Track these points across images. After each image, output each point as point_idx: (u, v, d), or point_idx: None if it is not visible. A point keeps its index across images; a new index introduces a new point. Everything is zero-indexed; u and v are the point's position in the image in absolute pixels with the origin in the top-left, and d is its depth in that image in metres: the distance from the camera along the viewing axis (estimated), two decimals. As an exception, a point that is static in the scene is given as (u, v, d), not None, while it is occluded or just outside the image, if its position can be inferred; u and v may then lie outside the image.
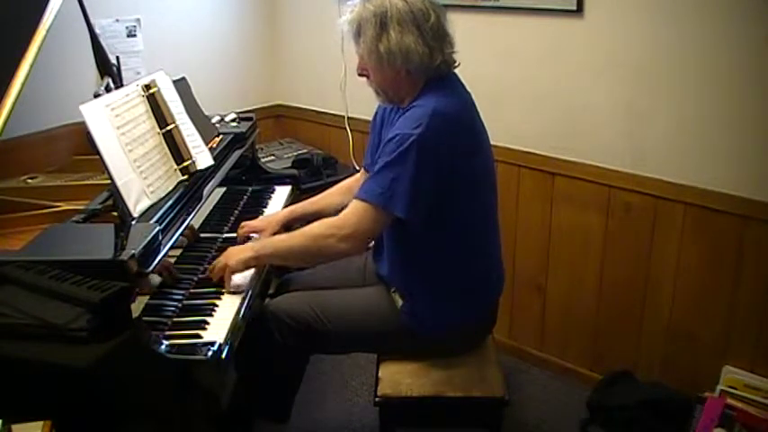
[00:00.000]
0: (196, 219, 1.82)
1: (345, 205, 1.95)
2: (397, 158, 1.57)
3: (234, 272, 1.68)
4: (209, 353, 1.41)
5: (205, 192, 1.85)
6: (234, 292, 1.68)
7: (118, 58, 2.17)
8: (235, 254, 1.71)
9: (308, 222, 2.02)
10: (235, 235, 2.00)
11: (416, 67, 1.63)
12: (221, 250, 1.91)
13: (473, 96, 1.77)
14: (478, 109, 1.77)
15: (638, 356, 2.37)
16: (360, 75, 1.73)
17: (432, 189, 1.61)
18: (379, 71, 1.68)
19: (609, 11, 2.16)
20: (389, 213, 1.60)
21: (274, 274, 2.09)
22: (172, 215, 1.61)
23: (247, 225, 1.99)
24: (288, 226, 2.02)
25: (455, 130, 1.62)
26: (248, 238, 1.96)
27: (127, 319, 1.34)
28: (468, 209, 1.72)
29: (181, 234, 1.63)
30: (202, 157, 1.83)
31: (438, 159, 1.59)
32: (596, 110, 2.27)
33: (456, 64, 1.72)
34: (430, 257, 1.73)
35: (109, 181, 1.54)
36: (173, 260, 1.73)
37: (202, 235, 1.97)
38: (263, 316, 1.79)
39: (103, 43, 2.03)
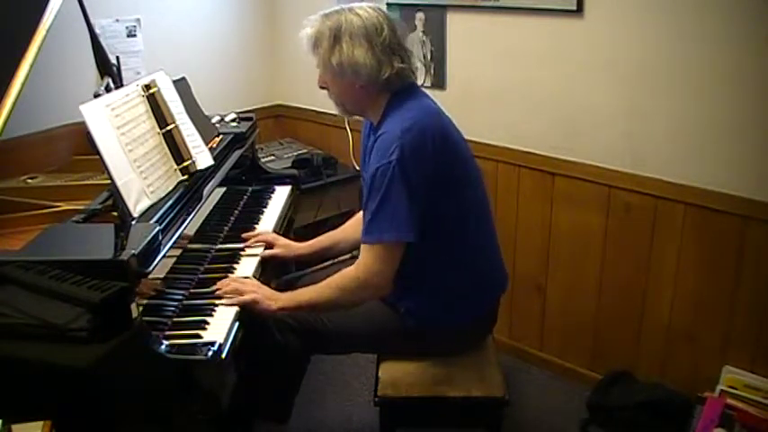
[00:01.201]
0: (196, 219, 1.82)
1: (359, 238, 1.98)
2: (386, 191, 1.61)
3: (253, 306, 1.66)
4: (210, 353, 1.42)
5: (205, 192, 1.85)
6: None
7: (118, 58, 2.17)
8: (258, 294, 1.67)
9: (322, 255, 2.07)
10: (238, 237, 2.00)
11: (366, 81, 1.68)
12: (221, 250, 1.92)
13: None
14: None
15: (638, 356, 2.37)
16: (321, 87, 1.79)
17: (425, 202, 1.65)
18: (334, 84, 1.74)
19: (609, 11, 2.16)
20: (403, 243, 1.65)
21: (274, 276, 2.10)
22: (172, 215, 1.61)
23: (267, 235, 2.00)
24: (301, 259, 2.04)
25: (426, 139, 1.64)
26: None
27: (127, 319, 1.34)
28: (458, 211, 1.74)
29: (180, 235, 1.63)
30: (202, 157, 1.83)
31: (421, 172, 1.62)
32: (596, 110, 2.27)
33: (412, 76, 1.75)
34: (424, 262, 1.73)
35: (109, 181, 1.54)
36: (173, 260, 1.73)
37: (202, 234, 1.97)
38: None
39: (103, 43, 2.03)
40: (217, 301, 1.63)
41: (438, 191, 1.66)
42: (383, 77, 1.67)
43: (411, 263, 1.69)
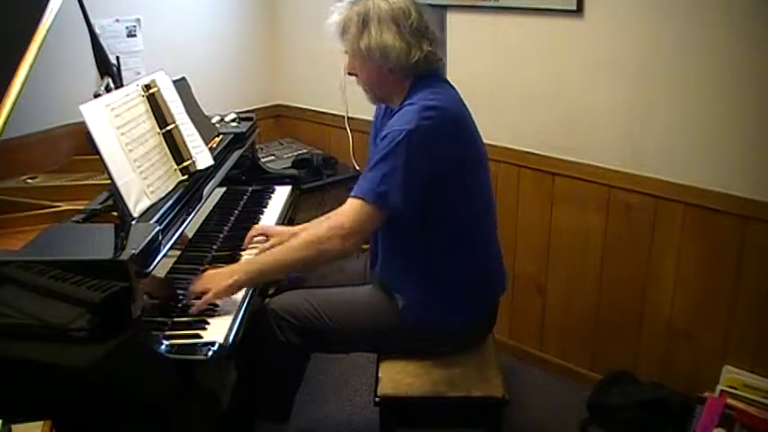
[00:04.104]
0: (196, 219, 1.82)
1: None
2: (388, 153, 1.61)
3: (217, 299, 1.62)
4: (210, 353, 1.42)
5: (205, 192, 1.85)
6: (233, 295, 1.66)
7: (118, 58, 2.17)
8: (216, 280, 1.63)
9: None
10: (240, 237, 2.00)
11: (395, 64, 1.68)
12: (221, 250, 1.92)
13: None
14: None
15: (638, 356, 2.37)
16: (349, 74, 1.79)
17: (425, 182, 1.64)
18: (363, 69, 1.74)
19: (609, 11, 2.16)
20: (386, 207, 1.63)
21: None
22: (172, 215, 1.61)
23: (258, 228, 1.99)
24: None
25: (446, 122, 1.65)
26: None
27: (127, 319, 1.34)
28: (463, 206, 1.74)
29: (180, 235, 1.63)
30: (202, 157, 1.83)
31: (431, 153, 1.62)
32: (596, 110, 2.27)
33: (439, 62, 1.76)
34: (426, 257, 1.74)
35: (109, 181, 1.54)
36: (173, 260, 1.73)
37: (202, 234, 1.97)
38: (263, 315, 1.79)
39: (103, 43, 2.03)
40: (218, 301, 1.61)
41: (446, 178, 1.66)
42: (412, 60, 1.68)
43: (414, 250, 1.69)
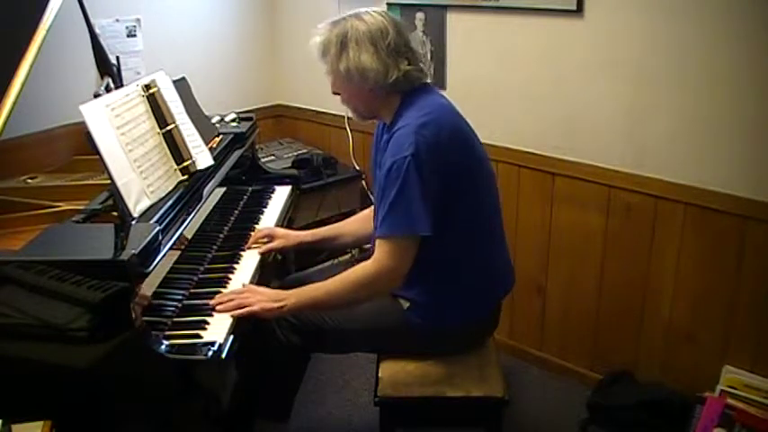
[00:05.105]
0: (196, 219, 1.82)
1: (362, 234, 2.00)
2: (402, 185, 1.61)
3: (261, 316, 1.64)
4: (210, 353, 1.41)
5: (205, 192, 1.85)
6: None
7: (118, 58, 2.17)
8: (264, 298, 1.65)
9: (323, 245, 2.06)
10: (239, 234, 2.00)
11: (374, 84, 1.70)
12: (221, 250, 1.92)
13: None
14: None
15: (638, 356, 2.37)
16: (334, 93, 1.81)
17: (440, 197, 1.65)
18: (345, 89, 1.77)
19: (609, 11, 2.16)
20: (417, 237, 1.65)
21: (275, 276, 2.09)
22: (172, 215, 1.61)
23: (264, 230, 2.00)
24: (303, 247, 2.04)
25: (443, 135, 1.66)
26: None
27: (127, 319, 1.34)
28: (469, 212, 1.74)
29: (180, 234, 1.63)
30: (202, 157, 1.83)
31: (437, 168, 1.63)
32: (596, 110, 2.27)
33: (421, 76, 1.76)
34: (432, 261, 1.73)
35: (109, 181, 1.54)
36: (173, 260, 1.73)
37: (202, 234, 1.97)
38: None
39: (103, 43, 2.03)
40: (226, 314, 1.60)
41: (451, 186, 1.67)
42: (390, 80, 1.69)
43: (420, 254, 1.69)
